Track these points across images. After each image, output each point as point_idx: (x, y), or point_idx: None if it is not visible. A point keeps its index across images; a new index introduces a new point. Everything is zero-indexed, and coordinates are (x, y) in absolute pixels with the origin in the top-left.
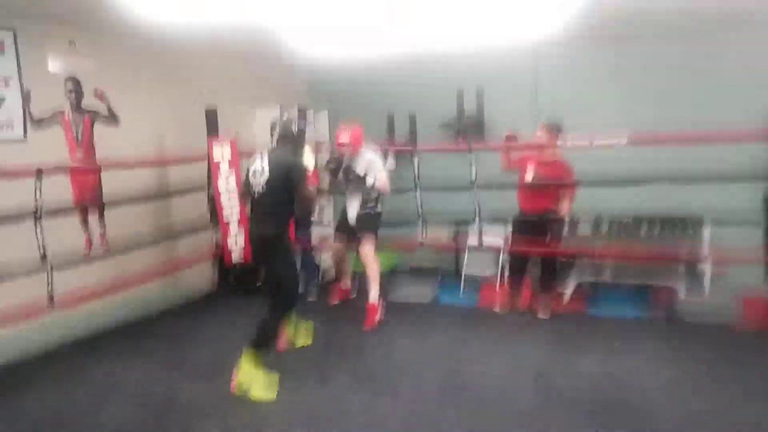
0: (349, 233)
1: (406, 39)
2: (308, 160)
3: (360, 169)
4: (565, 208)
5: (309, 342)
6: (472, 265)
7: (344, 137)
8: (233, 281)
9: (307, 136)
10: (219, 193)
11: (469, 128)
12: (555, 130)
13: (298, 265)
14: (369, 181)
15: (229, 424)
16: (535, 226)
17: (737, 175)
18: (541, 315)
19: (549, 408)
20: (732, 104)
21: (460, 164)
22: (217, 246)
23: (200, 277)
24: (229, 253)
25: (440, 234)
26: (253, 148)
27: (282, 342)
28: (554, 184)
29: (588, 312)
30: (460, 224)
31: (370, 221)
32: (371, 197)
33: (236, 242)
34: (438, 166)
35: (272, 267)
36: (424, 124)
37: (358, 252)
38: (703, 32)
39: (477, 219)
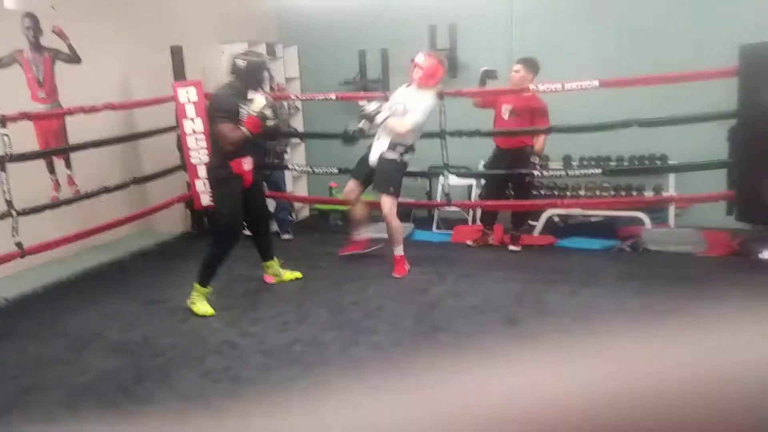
0: (365, 178)
1: None
2: (257, 102)
3: (409, 104)
4: (540, 143)
5: (298, 275)
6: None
7: (420, 60)
8: (207, 224)
9: (266, 76)
10: (185, 136)
11: None
12: (532, 66)
13: (272, 207)
14: (383, 117)
15: (207, 367)
16: (511, 161)
17: (705, 116)
18: (511, 248)
19: (518, 343)
20: (702, 45)
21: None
22: (188, 189)
23: (173, 220)
24: (198, 195)
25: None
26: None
27: (268, 277)
28: (530, 117)
29: (558, 244)
30: (432, 171)
31: (391, 171)
32: (404, 142)
33: (205, 185)
34: None
35: (213, 200)
36: (396, 62)
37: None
38: None
39: (445, 171)
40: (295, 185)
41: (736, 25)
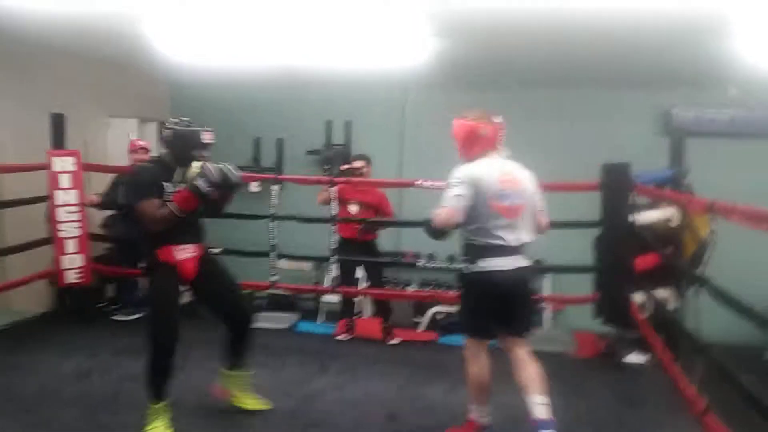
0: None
1: (276, 56)
2: (191, 171)
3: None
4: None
5: (264, 406)
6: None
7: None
8: (70, 303)
9: (200, 148)
10: (56, 207)
11: (336, 158)
12: (368, 160)
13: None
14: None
15: None
16: (360, 252)
17: (574, 223)
18: (389, 341)
19: None
20: (575, 156)
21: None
22: (53, 264)
23: (35, 297)
24: (63, 273)
25: (301, 265)
26: (103, 160)
27: (217, 391)
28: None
29: (440, 341)
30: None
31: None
32: (464, 242)
33: (72, 262)
34: (302, 197)
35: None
36: (291, 152)
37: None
38: (563, 83)
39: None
40: None
41: (600, 144)
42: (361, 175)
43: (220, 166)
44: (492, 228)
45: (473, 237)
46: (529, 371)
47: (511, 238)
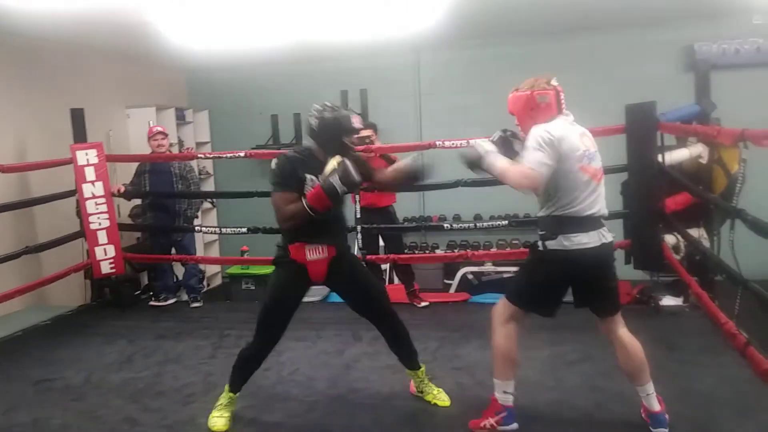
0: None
1: (288, 34)
2: (327, 168)
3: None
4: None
5: (444, 403)
6: None
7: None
8: (109, 294)
9: (355, 131)
10: (84, 200)
11: None
12: (375, 128)
13: (181, 274)
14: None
15: None
16: (380, 220)
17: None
18: (419, 304)
19: (439, 406)
20: (599, 103)
21: None
22: (88, 256)
23: (71, 291)
24: (98, 264)
25: None
26: (126, 151)
27: (412, 389)
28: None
29: (471, 300)
30: None
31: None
32: (545, 212)
33: (105, 252)
34: None
35: None
36: None
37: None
38: (579, 30)
39: None
40: (207, 252)
41: (622, 88)
42: (370, 143)
43: (344, 164)
44: (580, 196)
45: (557, 207)
46: (634, 357)
47: (598, 207)
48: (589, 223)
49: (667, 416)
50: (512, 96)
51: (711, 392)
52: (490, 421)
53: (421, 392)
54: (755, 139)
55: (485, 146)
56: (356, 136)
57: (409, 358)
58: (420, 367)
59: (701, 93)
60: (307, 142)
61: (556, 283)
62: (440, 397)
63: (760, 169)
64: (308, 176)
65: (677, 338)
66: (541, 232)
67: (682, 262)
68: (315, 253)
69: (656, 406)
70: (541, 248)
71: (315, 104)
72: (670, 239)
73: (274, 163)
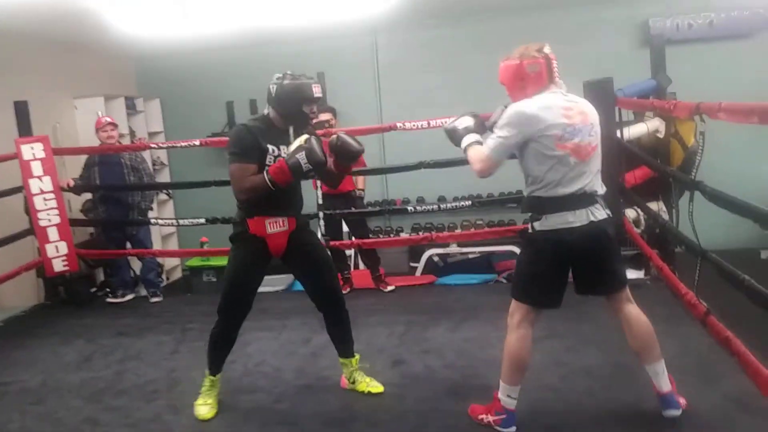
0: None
1: (241, 18)
2: (295, 143)
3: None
4: (360, 183)
5: (377, 389)
6: None
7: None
8: (63, 293)
9: (315, 100)
10: (32, 196)
11: None
12: (334, 112)
13: (140, 270)
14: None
15: None
16: (344, 205)
17: None
18: (384, 289)
19: (408, 389)
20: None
21: None
22: (39, 254)
23: (23, 291)
24: (50, 262)
25: None
26: (75, 143)
27: (343, 382)
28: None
29: (438, 282)
30: None
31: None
32: (528, 194)
33: (57, 249)
34: None
35: None
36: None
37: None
38: (536, 7)
39: None
40: (166, 245)
41: (579, 65)
42: (330, 127)
43: (341, 136)
44: (557, 174)
45: (536, 187)
46: (640, 334)
47: (581, 184)
48: (573, 201)
49: (682, 400)
50: (502, 65)
51: (675, 362)
52: (489, 418)
53: (353, 382)
54: (710, 111)
55: (465, 122)
56: (315, 120)
57: (346, 345)
58: (354, 356)
59: (657, 68)
60: (267, 109)
61: (552, 266)
62: (373, 385)
63: (714, 143)
64: (270, 146)
65: (640, 310)
66: (528, 214)
67: (643, 235)
68: (276, 226)
69: (666, 387)
70: (530, 230)
71: (276, 73)
72: (630, 213)
73: (232, 132)
